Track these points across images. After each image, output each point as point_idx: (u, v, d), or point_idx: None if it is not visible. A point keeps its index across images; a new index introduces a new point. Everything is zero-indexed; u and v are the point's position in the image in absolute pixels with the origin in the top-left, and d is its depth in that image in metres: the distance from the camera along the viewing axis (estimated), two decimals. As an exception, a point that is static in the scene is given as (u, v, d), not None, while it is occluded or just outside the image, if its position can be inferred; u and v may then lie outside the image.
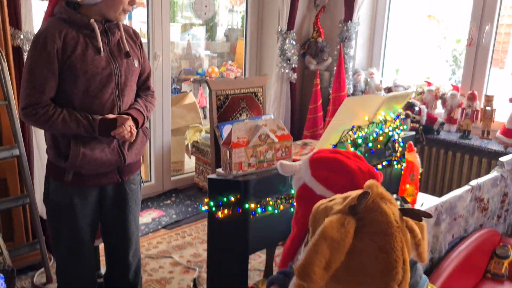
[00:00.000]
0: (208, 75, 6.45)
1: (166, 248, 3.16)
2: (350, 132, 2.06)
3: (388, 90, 3.94)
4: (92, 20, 1.76)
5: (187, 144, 4.50)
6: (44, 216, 2.76)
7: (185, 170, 4.65)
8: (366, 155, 2.14)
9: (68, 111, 1.77)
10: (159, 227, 3.47)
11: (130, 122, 1.86)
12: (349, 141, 2.05)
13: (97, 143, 1.84)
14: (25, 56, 2.53)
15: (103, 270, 2.51)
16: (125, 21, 2.09)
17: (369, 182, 1.05)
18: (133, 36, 1.99)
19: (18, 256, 2.59)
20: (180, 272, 2.86)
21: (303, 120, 4.07)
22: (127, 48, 1.89)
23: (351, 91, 4.07)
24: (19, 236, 2.67)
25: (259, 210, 1.89)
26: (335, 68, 3.82)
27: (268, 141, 1.94)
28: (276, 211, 1.94)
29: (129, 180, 2.03)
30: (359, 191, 1.04)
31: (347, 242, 0.96)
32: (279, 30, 3.94)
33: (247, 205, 1.85)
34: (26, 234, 2.70)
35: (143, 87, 2.08)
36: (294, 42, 3.99)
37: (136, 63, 1.94)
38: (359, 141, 2.08)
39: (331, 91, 3.91)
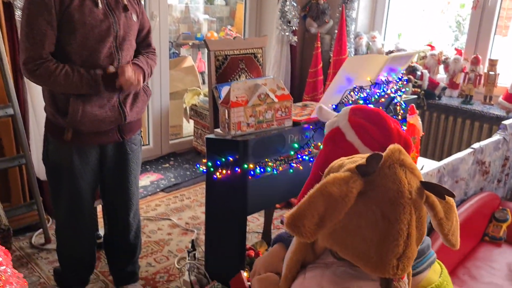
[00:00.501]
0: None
1: (164, 210, 3.16)
2: (352, 93, 2.01)
3: (390, 53, 3.86)
4: None
5: (186, 108, 4.45)
6: (41, 176, 2.75)
7: (184, 134, 4.61)
8: (367, 116, 2.09)
9: (70, 66, 1.73)
10: (158, 190, 3.46)
11: (130, 69, 1.80)
12: (350, 102, 2.00)
13: (97, 100, 1.79)
14: (16, 13, 2.45)
15: (101, 231, 2.51)
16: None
17: (393, 146, 0.98)
18: None
19: (15, 216, 2.58)
20: (178, 234, 2.87)
21: (303, 84, 4.01)
22: (125, 1, 1.83)
23: (352, 54, 3.99)
24: (16, 197, 2.65)
25: (258, 170, 1.87)
26: (336, 31, 3.73)
27: (267, 100, 1.90)
28: (275, 172, 1.92)
29: (130, 139, 1.99)
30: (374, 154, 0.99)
31: (347, 202, 0.90)
32: (280, -10, 3.83)
33: (245, 166, 1.82)
34: (23, 194, 2.68)
35: (144, 44, 2.02)
36: (295, 4, 3.88)
37: (134, 17, 1.88)
38: (361, 102, 2.04)
39: (332, 55, 3.83)
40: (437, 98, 3.55)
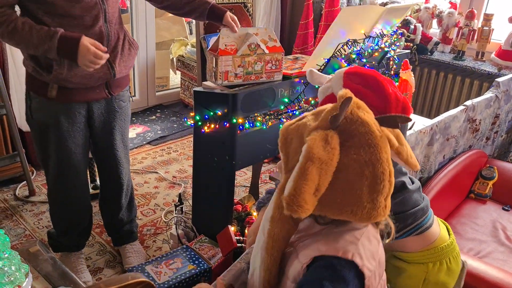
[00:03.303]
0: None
1: (151, 163, 3.12)
2: (345, 46, 1.95)
3: (384, 6, 3.76)
4: None
5: (172, 59, 4.34)
6: (23, 128, 2.68)
7: (170, 86, 4.52)
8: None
9: (24, 20, 1.52)
10: (144, 142, 3.41)
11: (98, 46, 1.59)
12: (343, 55, 1.94)
13: None
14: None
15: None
16: None
17: (344, 91, 0.92)
18: None
19: (-2, 168, 2.54)
20: (165, 187, 2.85)
21: (293, 36, 3.90)
22: None
23: (344, 5, 3.88)
24: (-2, 148, 2.59)
25: (246, 125, 1.82)
26: (329, -20, 3.59)
27: (258, 51, 1.83)
28: (264, 127, 1.88)
29: (118, 96, 1.87)
30: (332, 105, 0.93)
31: (334, 161, 0.86)
32: None
33: (234, 120, 1.78)
34: (5, 146, 2.61)
35: None
36: (287, -49, 3.72)
37: None
38: (354, 56, 1.98)
39: (323, 6, 3.72)
40: (429, 53, 3.49)
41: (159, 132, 3.60)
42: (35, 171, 2.79)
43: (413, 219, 1.28)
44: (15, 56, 2.55)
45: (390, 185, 0.91)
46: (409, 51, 2.65)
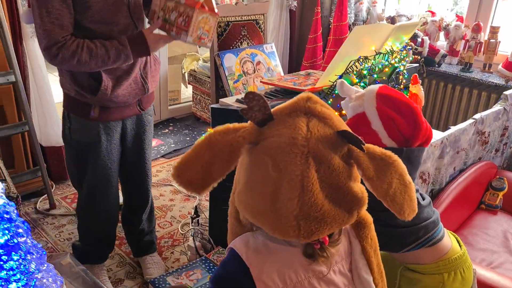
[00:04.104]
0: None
1: (166, 176, 3.19)
2: (356, 63, 2.01)
3: (391, 19, 3.83)
4: None
5: (184, 73, 4.43)
6: (43, 143, 2.76)
7: (182, 100, 4.60)
8: (371, 86, 2.10)
9: (89, 39, 1.60)
10: (158, 156, 3.48)
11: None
12: (354, 72, 2.01)
13: (122, 74, 1.74)
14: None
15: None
16: None
17: (302, 94, 0.88)
18: None
19: (20, 183, 2.61)
20: (180, 199, 2.91)
21: (302, 50, 3.98)
22: None
23: (352, 20, 3.96)
24: (20, 163, 2.67)
25: (263, 140, 1.88)
26: (337, -5, 3.67)
27: None
28: (280, 142, 1.93)
29: (147, 111, 1.96)
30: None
31: (232, 151, 0.83)
32: (280, -47, 3.74)
33: (251, 135, 1.83)
34: (26, 161, 2.70)
35: None
36: (295, -33, 3.81)
37: None
38: (365, 72, 2.04)
39: (332, 20, 3.79)
40: (436, 66, 3.55)
41: (172, 145, 3.67)
42: (54, 185, 2.87)
43: (424, 232, 1.33)
44: (35, 72, 2.63)
45: (302, 204, 0.80)
46: (418, 65, 2.71)
